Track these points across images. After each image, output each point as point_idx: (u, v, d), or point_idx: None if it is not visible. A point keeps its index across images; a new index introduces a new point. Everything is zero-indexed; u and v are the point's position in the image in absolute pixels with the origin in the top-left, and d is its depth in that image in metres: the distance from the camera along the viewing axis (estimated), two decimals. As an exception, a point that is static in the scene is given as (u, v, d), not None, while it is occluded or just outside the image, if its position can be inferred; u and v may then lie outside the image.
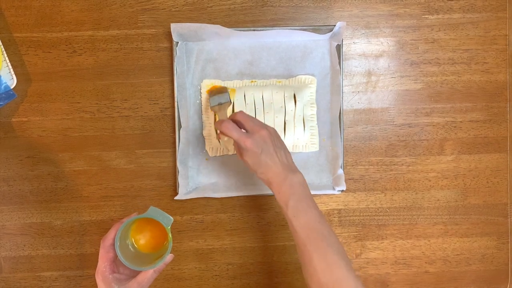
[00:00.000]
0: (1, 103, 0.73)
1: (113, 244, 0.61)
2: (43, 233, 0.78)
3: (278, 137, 0.65)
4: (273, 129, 0.65)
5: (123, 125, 0.77)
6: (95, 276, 0.61)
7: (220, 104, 0.72)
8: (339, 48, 0.76)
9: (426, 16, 0.78)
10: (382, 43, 0.78)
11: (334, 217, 0.79)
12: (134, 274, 0.62)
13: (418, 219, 0.80)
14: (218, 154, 0.77)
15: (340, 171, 0.76)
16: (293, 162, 0.64)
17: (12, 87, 0.74)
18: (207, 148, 0.77)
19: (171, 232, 0.61)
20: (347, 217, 0.79)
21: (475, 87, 0.79)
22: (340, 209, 0.79)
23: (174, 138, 0.75)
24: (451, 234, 0.80)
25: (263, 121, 0.76)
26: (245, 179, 0.77)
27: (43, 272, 0.78)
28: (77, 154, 0.77)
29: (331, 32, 0.75)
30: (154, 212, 0.61)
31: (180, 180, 0.75)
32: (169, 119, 0.77)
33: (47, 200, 0.77)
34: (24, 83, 0.76)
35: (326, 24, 0.77)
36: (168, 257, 0.61)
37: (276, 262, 0.79)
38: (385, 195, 0.79)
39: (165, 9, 0.76)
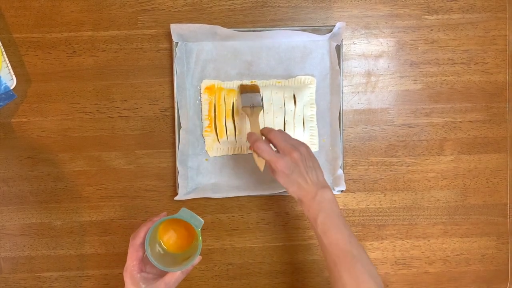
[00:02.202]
0: (1, 103, 0.73)
1: (143, 243, 0.60)
2: (43, 234, 0.78)
3: (311, 156, 0.64)
4: (306, 148, 0.64)
5: (123, 126, 0.77)
6: (123, 274, 0.61)
7: (252, 106, 0.71)
8: (338, 48, 0.76)
9: (426, 17, 0.78)
10: (381, 43, 0.78)
11: (334, 217, 0.79)
12: (161, 273, 0.62)
13: (418, 220, 0.80)
14: (217, 155, 0.77)
15: (340, 172, 0.76)
16: (324, 179, 0.64)
17: (12, 87, 0.74)
18: (206, 148, 0.77)
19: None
20: (346, 217, 0.79)
21: (474, 87, 0.79)
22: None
23: (174, 139, 0.75)
24: (450, 234, 0.80)
25: (262, 121, 0.76)
26: (245, 180, 0.77)
27: (43, 272, 0.78)
28: (77, 154, 0.77)
29: (330, 33, 0.75)
30: (185, 213, 0.61)
31: (180, 180, 0.75)
32: (168, 120, 0.77)
33: (47, 201, 0.77)
34: (24, 83, 0.76)
35: (325, 24, 0.77)
36: (197, 259, 0.61)
37: (276, 262, 0.79)
38: (384, 196, 0.79)
39: (164, 9, 0.76)
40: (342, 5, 0.77)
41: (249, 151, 0.77)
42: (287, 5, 0.77)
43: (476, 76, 0.79)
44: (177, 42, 0.75)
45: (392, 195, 0.79)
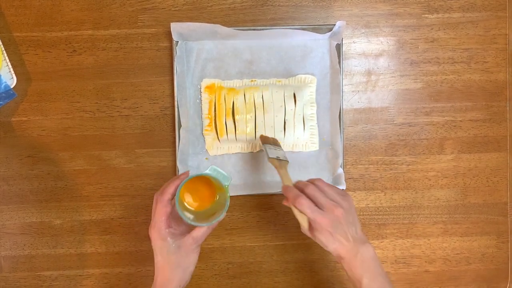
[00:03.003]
0: (1, 102, 0.73)
1: (171, 200, 0.61)
2: (43, 233, 0.78)
3: (352, 210, 0.62)
4: (348, 202, 0.62)
5: (123, 125, 0.77)
6: (150, 231, 0.62)
7: (279, 159, 0.68)
8: (338, 47, 0.76)
9: (426, 15, 0.78)
10: (382, 42, 0.78)
11: (334, 216, 0.79)
12: (187, 230, 0.62)
13: (418, 218, 0.80)
14: (218, 154, 0.77)
15: (340, 170, 0.76)
16: (362, 234, 0.63)
17: (12, 86, 0.74)
18: (207, 147, 0.77)
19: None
20: (347, 216, 0.79)
21: (475, 86, 0.79)
22: (340, 208, 0.79)
23: (174, 138, 0.75)
24: (451, 233, 0.80)
25: (263, 120, 0.76)
26: (245, 179, 0.77)
27: (43, 271, 0.78)
28: (77, 153, 0.77)
29: (330, 32, 0.75)
30: (214, 171, 0.63)
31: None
32: (169, 119, 0.77)
33: (47, 200, 0.77)
34: (24, 82, 0.76)
35: (326, 23, 0.77)
36: (223, 214, 0.62)
37: (276, 261, 0.79)
38: (385, 194, 0.79)
39: (165, 8, 0.76)
40: (343, 4, 0.77)
41: (251, 151, 0.77)
42: (287, 4, 0.77)
43: (476, 75, 0.79)
44: (177, 41, 0.75)
45: (392, 194, 0.79)
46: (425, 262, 0.80)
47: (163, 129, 0.77)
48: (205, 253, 0.79)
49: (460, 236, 0.80)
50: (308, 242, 0.79)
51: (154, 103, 0.77)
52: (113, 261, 0.78)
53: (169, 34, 0.75)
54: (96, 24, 0.76)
